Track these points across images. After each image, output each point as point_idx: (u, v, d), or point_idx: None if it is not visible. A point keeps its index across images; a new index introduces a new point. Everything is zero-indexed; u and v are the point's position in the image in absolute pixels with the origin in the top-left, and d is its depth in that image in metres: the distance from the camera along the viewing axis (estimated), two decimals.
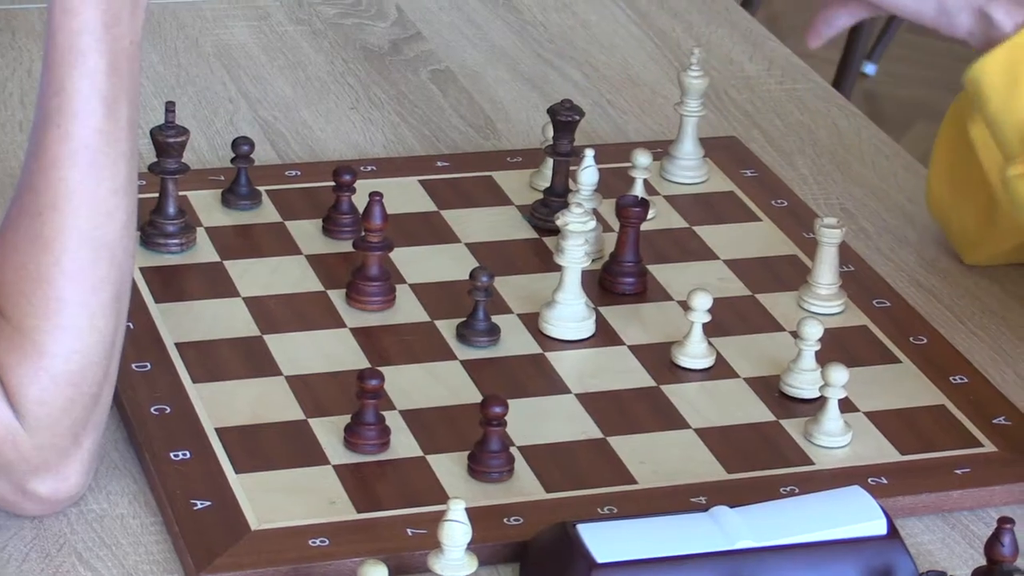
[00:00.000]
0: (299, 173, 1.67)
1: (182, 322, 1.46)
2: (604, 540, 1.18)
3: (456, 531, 1.14)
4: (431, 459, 1.33)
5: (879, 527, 1.21)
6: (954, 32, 1.45)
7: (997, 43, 1.41)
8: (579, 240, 1.47)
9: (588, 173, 1.56)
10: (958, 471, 1.35)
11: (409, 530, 1.25)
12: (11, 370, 1.20)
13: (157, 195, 1.55)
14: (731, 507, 1.23)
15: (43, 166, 1.23)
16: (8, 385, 1.20)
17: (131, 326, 1.43)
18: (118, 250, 1.25)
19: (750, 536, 1.19)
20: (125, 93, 1.25)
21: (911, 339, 1.51)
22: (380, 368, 1.37)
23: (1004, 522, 1.20)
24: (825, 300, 1.53)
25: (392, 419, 1.35)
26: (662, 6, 2.08)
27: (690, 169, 1.71)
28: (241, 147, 1.60)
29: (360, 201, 1.57)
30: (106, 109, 1.23)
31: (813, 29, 1.55)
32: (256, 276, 1.53)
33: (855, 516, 1.22)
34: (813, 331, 1.42)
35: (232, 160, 1.61)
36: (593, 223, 1.50)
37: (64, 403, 1.22)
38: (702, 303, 1.44)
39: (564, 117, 1.63)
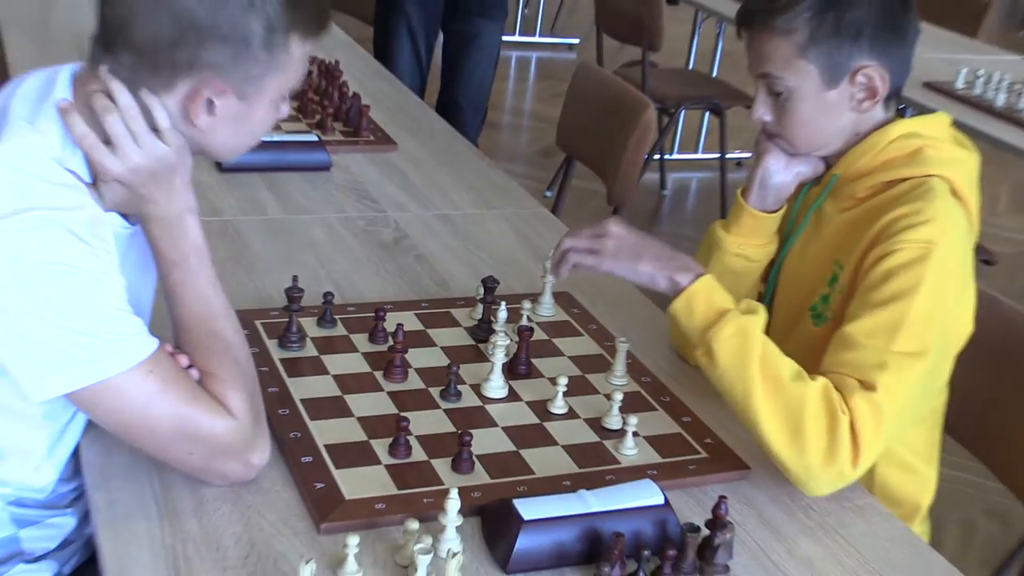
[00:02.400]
0: (355, 309, 1.64)
1: (303, 387, 1.43)
2: (527, 508, 1.18)
3: (453, 504, 1.15)
4: (433, 462, 1.32)
5: (659, 499, 1.22)
6: (656, 288, 1.39)
7: (681, 292, 1.36)
8: (503, 350, 1.47)
9: (502, 314, 1.56)
10: (691, 467, 1.37)
11: (425, 500, 1.25)
12: (228, 396, 1.19)
13: (287, 320, 1.53)
14: (587, 490, 1.23)
15: (202, 311, 1.21)
16: (228, 404, 1.19)
17: (277, 390, 1.41)
18: (244, 339, 1.26)
19: (598, 505, 1.20)
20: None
21: (661, 398, 1.51)
22: (404, 413, 1.36)
23: (722, 497, 1.22)
24: (619, 378, 1.54)
25: (412, 440, 1.34)
26: (531, 226, 2.08)
27: (548, 309, 1.71)
28: (327, 297, 1.59)
29: (388, 325, 1.56)
30: (217, 281, 1.24)
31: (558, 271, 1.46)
32: (336, 364, 1.50)
33: (648, 495, 1.23)
34: (618, 396, 1.43)
35: (322, 303, 1.59)
36: (508, 340, 1.50)
37: (254, 406, 1.22)
38: (563, 381, 1.45)
39: (490, 285, 1.64)
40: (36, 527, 1.29)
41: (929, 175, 1.42)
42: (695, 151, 5.11)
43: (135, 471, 1.24)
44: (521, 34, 6.72)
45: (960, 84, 3.33)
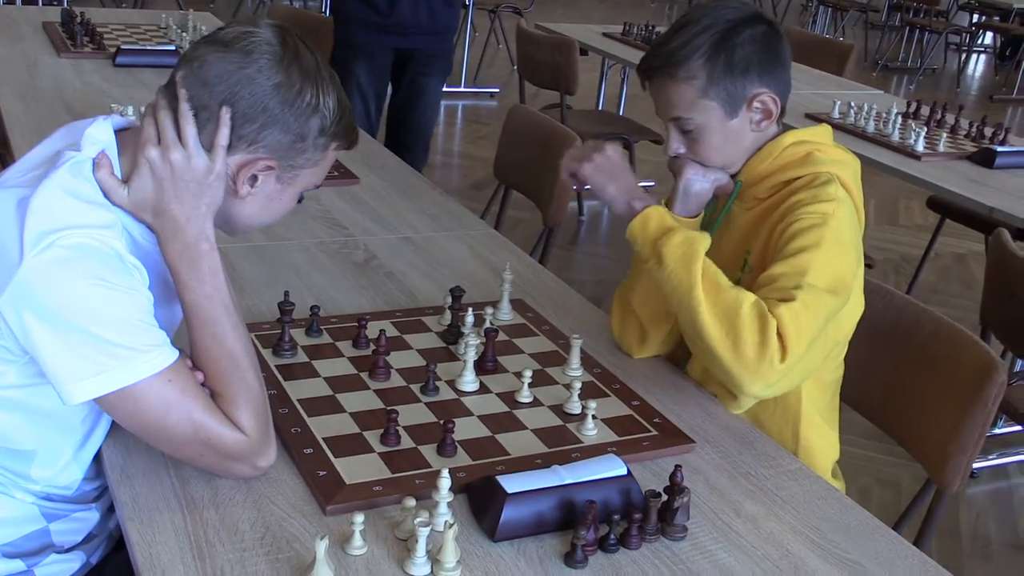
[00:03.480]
0: (337, 320, 1.63)
1: (298, 389, 1.42)
2: (510, 482, 1.18)
3: (445, 482, 1.14)
4: (420, 448, 1.31)
5: (623, 471, 1.23)
6: (613, 210, 1.49)
7: (637, 214, 1.45)
8: (473, 349, 1.47)
9: (470, 318, 1.56)
10: (644, 443, 1.38)
11: (416, 481, 1.24)
12: (237, 415, 1.16)
13: (279, 332, 1.51)
14: (560, 465, 1.24)
15: (215, 331, 1.16)
16: (238, 422, 1.16)
17: (275, 392, 1.40)
18: (254, 357, 1.21)
19: (571, 477, 1.20)
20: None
21: (612, 386, 1.52)
22: (390, 407, 1.35)
23: (677, 466, 1.23)
24: (575, 370, 1.53)
25: (401, 430, 1.33)
26: (483, 245, 2.08)
27: (507, 314, 1.71)
28: (313, 310, 1.58)
29: (369, 333, 1.55)
30: (230, 303, 1.19)
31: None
32: (326, 367, 1.48)
33: (613, 467, 1.23)
34: (577, 385, 1.44)
35: (309, 316, 1.57)
36: (477, 341, 1.50)
37: (262, 422, 1.19)
38: (528, 374, 1.45)
39: (456, 294, 1.64)
40: (64, 520, 1.25)
41: (819, 172, 1.49)
42: None
43: (154, 468, 1.22)
44: (448, 85, 6.73)
45: (836, 114, 3.43)
